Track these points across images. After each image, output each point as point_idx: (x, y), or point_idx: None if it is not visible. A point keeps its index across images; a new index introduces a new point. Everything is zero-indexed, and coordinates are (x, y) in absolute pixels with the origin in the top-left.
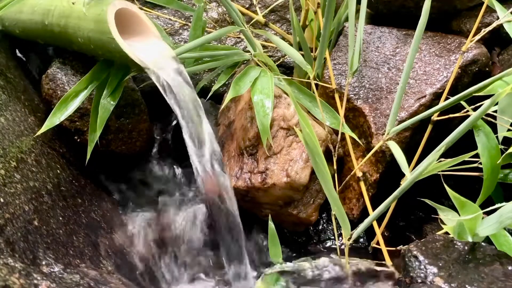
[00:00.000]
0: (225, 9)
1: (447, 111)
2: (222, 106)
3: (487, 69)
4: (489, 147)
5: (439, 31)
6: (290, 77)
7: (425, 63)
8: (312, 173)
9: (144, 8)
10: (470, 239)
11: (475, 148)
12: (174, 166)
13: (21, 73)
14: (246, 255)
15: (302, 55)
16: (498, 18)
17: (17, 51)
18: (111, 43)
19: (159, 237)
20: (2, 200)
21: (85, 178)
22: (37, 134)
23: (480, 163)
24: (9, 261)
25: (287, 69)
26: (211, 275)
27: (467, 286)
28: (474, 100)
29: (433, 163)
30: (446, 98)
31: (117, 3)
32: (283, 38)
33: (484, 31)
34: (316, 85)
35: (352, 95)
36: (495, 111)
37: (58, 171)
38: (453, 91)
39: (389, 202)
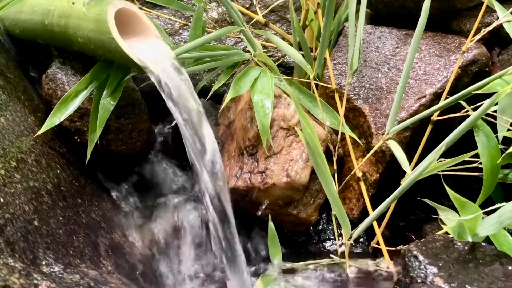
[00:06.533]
0: (225, 9)
1: (447, 111)
2: (222, 106)
3: (487, 69)
4: (489, 147)
5: (439, 31)
6: (290, 77)
7: (425, 63)
8: (312, 173)
9: (144, 8)
10: (470, 239)
11: (475, 148)
12: (174, 166)
13: (21, 73)
14: (243, 255)
15: (302, 55)
16: (498, 18)
17: (17, 51)
18: (111, 43)
19: (159, 236)
20: (2, 200)
21: (85, 178)
22: (37, 134)
23: (480, 163)
24: (9, 261)
25: (287, 69)
26: (211, 274)
27: (467, 286)
28: (474, 100)
29: (433, 163)
30: (446, 98)
31: (117, 3)
32: (283, 38)
33: (484, 31)
34: (316, 85)
35: (352, 95)
36: (495, 111)
37: (58, 171)
38: (453, 91)
39: (389, 202)
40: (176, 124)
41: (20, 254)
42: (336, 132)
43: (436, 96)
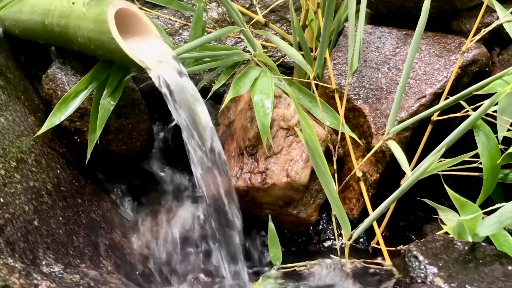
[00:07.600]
0: (225, 9)
1: (447, 111)
2: (222, 106)
3: (487, 69)
4: (489, 147)
5: (439, 31)
6: (290, 77)
7: (425, 63)
8: (312, 173)
9: (144, 8)
10: (470, 239)
11: (475, 148)
12: (174, 166)
13: (21, 73)
14: (243, 255)
15: (302, 55)
16: (498, 18)
17: (17, 51)
18: (111, 43)
19: (159, 236)
20: (2, 200)
21: (85, 178)
22: (37, 134)
23: (480, 163)
24: (9, 261)
25: (287, 69)
26: (211, 274)
27: (467, 286)
28: (474, 100)
29: (433, 163)
30: (446, 98)
31: (117, 3)
32: (283, 38)
33: (484, 31)
34: (316, 85)
35: (352, 95)
36: (495, 111)
37: (58, 171)
38: (453, 91)
39: (389, 202)
40: (176, 123)
41: (20, 254)
42: (336, 132)
43: (436, 96)
